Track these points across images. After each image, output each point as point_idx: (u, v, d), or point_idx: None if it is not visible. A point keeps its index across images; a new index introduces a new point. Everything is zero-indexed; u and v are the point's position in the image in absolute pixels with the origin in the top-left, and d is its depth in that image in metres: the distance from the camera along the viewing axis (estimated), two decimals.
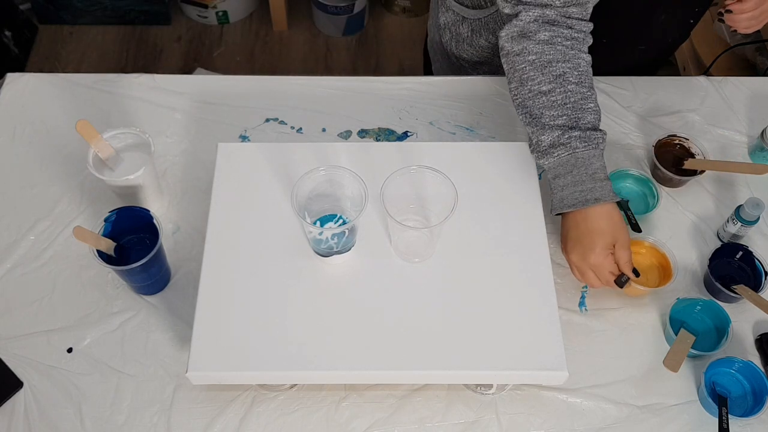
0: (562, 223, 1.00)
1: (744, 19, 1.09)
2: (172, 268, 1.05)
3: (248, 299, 0.90)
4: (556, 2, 0.96)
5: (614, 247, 0.95)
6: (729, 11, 1.09)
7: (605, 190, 0.95)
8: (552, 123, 0.96)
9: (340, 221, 0.94)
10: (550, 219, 1.09)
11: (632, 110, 1.24)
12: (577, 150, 0.95)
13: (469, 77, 1.27)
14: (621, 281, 0.96)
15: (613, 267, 0.96)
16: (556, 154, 0.96)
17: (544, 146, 0.97)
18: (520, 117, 1.01)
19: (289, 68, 2.42)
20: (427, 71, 1.49)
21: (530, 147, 1.00)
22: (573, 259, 0.97)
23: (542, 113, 0.97)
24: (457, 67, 1.34)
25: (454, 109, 1.23)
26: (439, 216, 0.89)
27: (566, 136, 0.95)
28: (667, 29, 1.22)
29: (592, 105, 0.98)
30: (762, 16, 1.10)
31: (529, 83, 0.98)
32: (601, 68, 1.24)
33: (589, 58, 1.01)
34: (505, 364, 0.86)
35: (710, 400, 0.94)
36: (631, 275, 0.96)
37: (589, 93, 0.98)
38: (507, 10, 1.00)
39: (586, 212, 0.95)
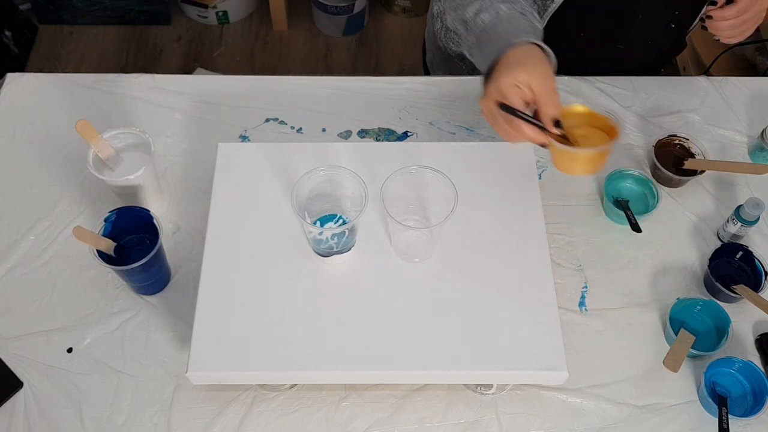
0: None
1: (726, 28, 1.06)
2: (172, 268, 1.05)
3: (248, 299, 0.90)
4: None
5: (531, 89, 0.82)
6: (710, 17, 1.06)
7: (530, 36, 0.86)
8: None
9: (340, 221, 0.95)
10: (550, 219, 1.09)
11: (632, 110, 1.24)
12: (500, 11, 0.90)
13: (469, 77, 1.27)
14: (514, 112, 0.79)
15: (520, 103, 0.82)
16: (479, 20, 0.91)
17: (469, 17, 0.92)
18: (458, 36, 0.97)
19: (289, 68, 2.43)
20: (425, 64, 1.49)
21: (465, 48, 0.95)
22: (481, 103, 0.84)
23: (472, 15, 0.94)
24: (446, 56, 1.34)
25: (454, 109, 1.23)
26: (439, 216, 0.89)
27: (489, 1, 0.91)
28: (648, 30, 1.21)
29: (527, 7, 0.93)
30: (744, 26, 1.07)
31: (459, 10, 0.95)
32: (585, 65, 1.24)
33: None
34: (505, 364, 0.86)
35: (710, 400, 0.94)
36: (551, 126, 0.81)
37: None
38: None
39: (507, 54, 0.85)
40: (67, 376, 0.97)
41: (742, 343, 1.02)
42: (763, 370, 0.98)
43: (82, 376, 0.97)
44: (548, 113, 0.82)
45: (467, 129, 1.21)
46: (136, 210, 0.98)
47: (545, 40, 1.10)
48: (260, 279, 0.91)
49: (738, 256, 1.06)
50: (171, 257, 1.05)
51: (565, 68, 1.24)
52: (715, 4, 1.06)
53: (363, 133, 1.20)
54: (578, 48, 1.16)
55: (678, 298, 1.03)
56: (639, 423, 0.96)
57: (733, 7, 1.04)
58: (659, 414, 0.96)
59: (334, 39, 2.52)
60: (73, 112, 1.21)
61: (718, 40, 1.09)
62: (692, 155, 1.15)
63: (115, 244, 0.97)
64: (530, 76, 0.81)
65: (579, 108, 0.89)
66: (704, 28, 1.08)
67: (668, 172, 1.12)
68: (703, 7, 1.07)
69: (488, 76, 0.88)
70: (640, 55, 1.28)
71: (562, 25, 1.10)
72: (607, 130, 0.90)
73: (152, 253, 0.93)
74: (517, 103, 0.82)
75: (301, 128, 1.20)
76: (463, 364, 0.86)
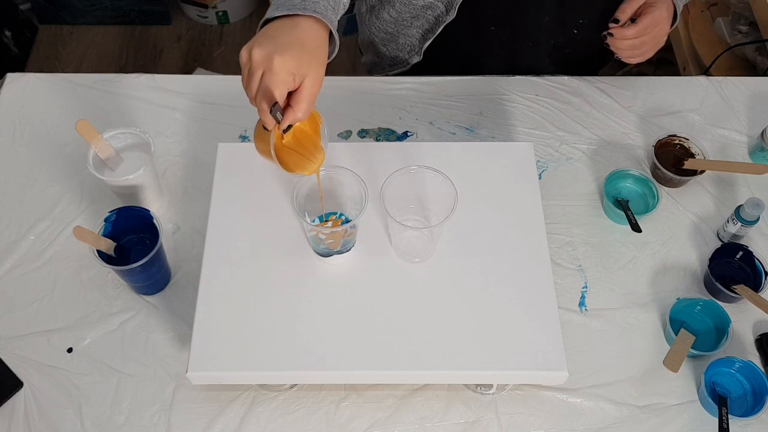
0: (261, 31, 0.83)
1: (626, 47, 1.07)
2: (172, 268, 1.05)
3: (248, 299, 0.90)
4: None
5: (301, 84, 0.79)
6: (611, 35, 1.07)
7: (328, 12, 0.84)
8: None
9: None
10: (550, 220, 1.09)
11: (632, 110, 1.24)
12: None
13: (469, 77, 1.27)
14: (275, 113, 0.77)
15: (284, 93, 0.78)
16: None
17: None
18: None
19: None
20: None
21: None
22: (256, 55, 0.77)
23: None
24: (370, 41, 1.34)
25: (454, 109, 1.23)
26: (439, 216, 0.89)
27: None
28: (552, 32, 1.21)
29: None
30: (644, 47, 1.07)
31: None
32: (494, 57, 1.26)
33: None
34: (505, 364, 0.86)
35: (710, 400, 0.94)
36: (283, 126, 0.79)
37: None
38: None
39: (298, 20, 0.81)
40: (67, 376, 0.97)
41: (742, 343, 1.02)
42: (763, 370, 0.98)
43: (82, 376, 0.97)
44: (297, 115, 0.79)
45: (467, 129, 1.21)
46: (136, 210, 0.98)
47: (455, 29, 1.09)
48: (260, 279, 0.91)
49: (738, 256, 1.06)
50: (171, 257, 1.05)
51: (475, 59, 1.27)
52: (617, 21, 1.07)
53: (363, 133, 1.20)
54: (484, 38, 1.20)
55: (678, 298, 1.03)
56: (639, 423, 0.96)
57: (633, 28, 1.05)
58: (659, 414, 0.96)
59: None
60: (73, 112, 1.21)
61: (619, 59, 1.11)
62: (692, 155, 1.15)
63: (115, 244, 0.97)
64: (310, 75, 0.78)
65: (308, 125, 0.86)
66: (607, 45, 1.09)
67: (668, 172, 1.12)
68: (607, 21, 1.09)
69: (270, 19, 0.83)
70: (548, 56, 1.27)
71: (473, 17, 1.13)
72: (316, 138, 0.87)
73: (152, 253, 0.93)
74: (283, 94, 0.78)
75: None
76: (463, 364, 0.86)
